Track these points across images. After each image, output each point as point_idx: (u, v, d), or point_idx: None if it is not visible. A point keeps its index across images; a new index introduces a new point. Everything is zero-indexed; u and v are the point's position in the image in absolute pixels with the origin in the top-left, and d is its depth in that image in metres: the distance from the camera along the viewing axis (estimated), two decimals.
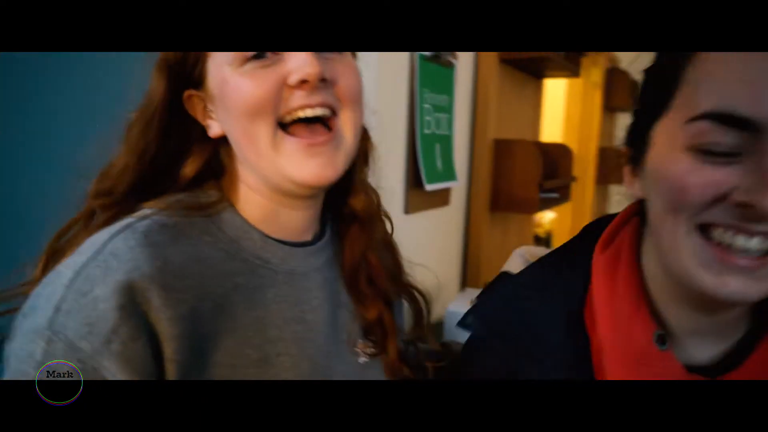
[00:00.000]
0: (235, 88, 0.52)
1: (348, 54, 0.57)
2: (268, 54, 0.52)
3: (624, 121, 3.52)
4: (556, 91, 2.81)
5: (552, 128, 2.81)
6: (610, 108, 3.10)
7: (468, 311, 0.61)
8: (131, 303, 0.45)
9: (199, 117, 0.57)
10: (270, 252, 0.57)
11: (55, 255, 0.54)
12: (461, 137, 1.61)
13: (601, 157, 2.99)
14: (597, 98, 2.83)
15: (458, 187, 1.61)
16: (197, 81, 0.56)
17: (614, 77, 2.98)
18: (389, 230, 0.73)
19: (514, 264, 0.61)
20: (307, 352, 0.56)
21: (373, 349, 0.64)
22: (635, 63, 3.20)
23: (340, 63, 0.55)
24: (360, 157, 0.64)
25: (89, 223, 0.56)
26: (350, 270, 0.64)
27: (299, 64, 0.50)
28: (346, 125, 0.55)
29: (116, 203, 0.55)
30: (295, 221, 0.59)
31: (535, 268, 0.60)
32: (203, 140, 0.58)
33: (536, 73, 2.04)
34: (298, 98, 0.51)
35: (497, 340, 0.56)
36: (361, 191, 0.65)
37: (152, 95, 0.56)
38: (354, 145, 0.57)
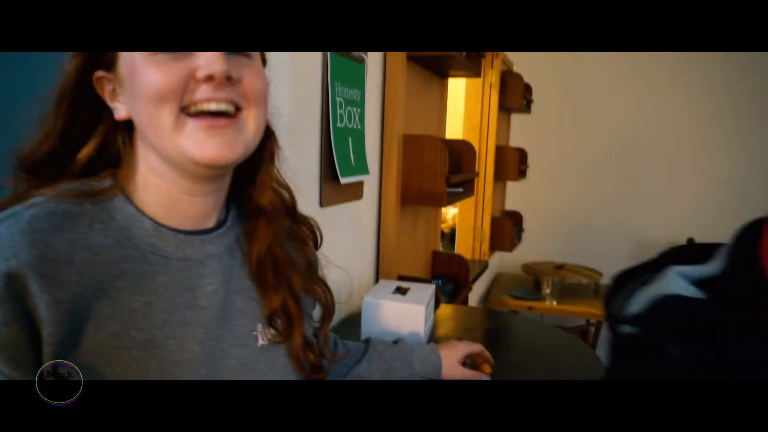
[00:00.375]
0: (143, 75, 0.53)
1: (257, 58, 0.60)
2: None
3: (518, 120, 3.76)
4: (456, 90, 2.93)
5: (453, 126, 2.93)
6: (504, 108, 3.29)
7: (660, 339, 0.60)
8: (7, 290, 0.47)
9: (107, 99, 0.58)
10: (163, 239, 0.58)
11: None
12: (372, 132, 1.64)
13: (498, 154, 3.17)
14: (494, 98, 3.00)
15: (371, 181, 1.64)
16: (108, 63, 0.57)
17: (508, 80, 3.16)
18: (309, 229, 0.76)
19: (677, 286, 0.60)
20: (196, 336, 0.58)
21: (276, 336, 0.66)
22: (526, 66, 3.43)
23: (247, 66, 0.57)
24: (266, 156, 0.67)
25: None
26: (256, 263, 0.66)
27: (208, 60, 0.53)
28: (248, 119, 0.58)
29: (21, 183, 0.56)
30: (195, 208, 0.61)
31: (718, 290, 0.60)
32: (106, 125, 0.59)
33: (441, 72, 2.12)
34: (203, 91, 0.54)
35: (703, 367, 0.56)
36: (267, 188, 0.67)
37: (64, 74, 0.56)
38: (255, 138, 0.60)
